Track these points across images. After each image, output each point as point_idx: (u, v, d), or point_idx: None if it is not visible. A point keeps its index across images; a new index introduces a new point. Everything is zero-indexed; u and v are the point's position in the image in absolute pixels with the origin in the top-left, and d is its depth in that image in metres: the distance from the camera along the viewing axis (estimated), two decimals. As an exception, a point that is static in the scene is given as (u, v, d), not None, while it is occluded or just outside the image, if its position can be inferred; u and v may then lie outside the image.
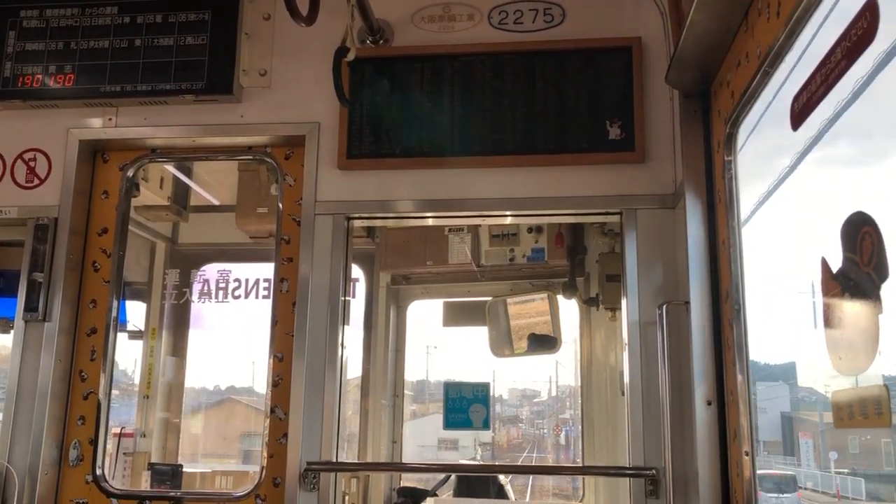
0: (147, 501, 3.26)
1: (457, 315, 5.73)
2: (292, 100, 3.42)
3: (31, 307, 3.31)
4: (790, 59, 2.11)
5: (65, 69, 3.45)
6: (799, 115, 1.99)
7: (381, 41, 3.40)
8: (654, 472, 2.89)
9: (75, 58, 3.45)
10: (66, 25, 3.49)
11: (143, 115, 3.48)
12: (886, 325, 1.53)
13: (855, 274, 1.64)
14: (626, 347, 3.05)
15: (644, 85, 3.20)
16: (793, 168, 2.80)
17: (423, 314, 5.94)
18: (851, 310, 1.69)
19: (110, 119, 3.50)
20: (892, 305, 1.52)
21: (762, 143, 2.67)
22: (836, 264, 1.75)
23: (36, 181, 3.47)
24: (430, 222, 3.93)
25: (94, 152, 3.57)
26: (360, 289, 5.27)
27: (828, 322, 1.80)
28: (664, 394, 2.84)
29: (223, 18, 3.43)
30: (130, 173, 3.55)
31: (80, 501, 3.28)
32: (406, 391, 5.64)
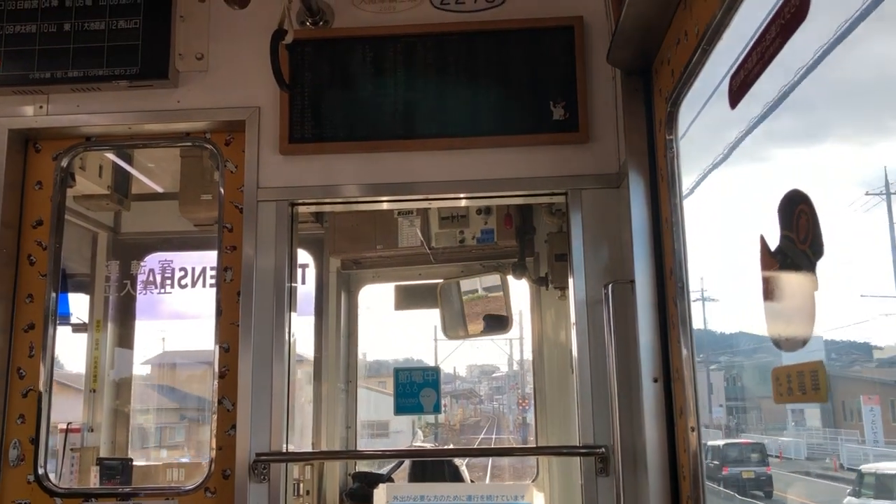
0: (93, 499, 3.19)
1: (408, 298, 5.71)
2: (231, 84, 3.33)
3: (-37, 304, 3.19)
4: (727, 36, 2.11)
5: (-10, 55, 3.31)
6: (737, 93, 1.99)
7: (321, 23, 3.33)
8: (603, 449, 2.92)
9: (1, 43, 3.31)
10: (-9, 10, 3.35)
11: (75, 102, 3.36)
12: (822, 301, 1.55)
13: (791, 251, 1.66)
14: (574, 326, 3.06)
15: (587, 65, 3.19)
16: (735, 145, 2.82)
17: (375, 298, 5.91)
18: (789, 287, 1.70)
19: (41, 107, 3.37)
20: (828, 282, 1.53)
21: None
22: (774, 242, 1.76)
23: (-36, 173, 3.33)
24: (379, 206, 3.90)
25: (26, 141, 3.45)
26: (311, 274, 5.21)
27: (766, 297, 1.82)
28: (611, 372, 2.85)
29: (156, 1, 3.32)
30: (65, 163, 3.44)
31: (23, 502, 3.19)
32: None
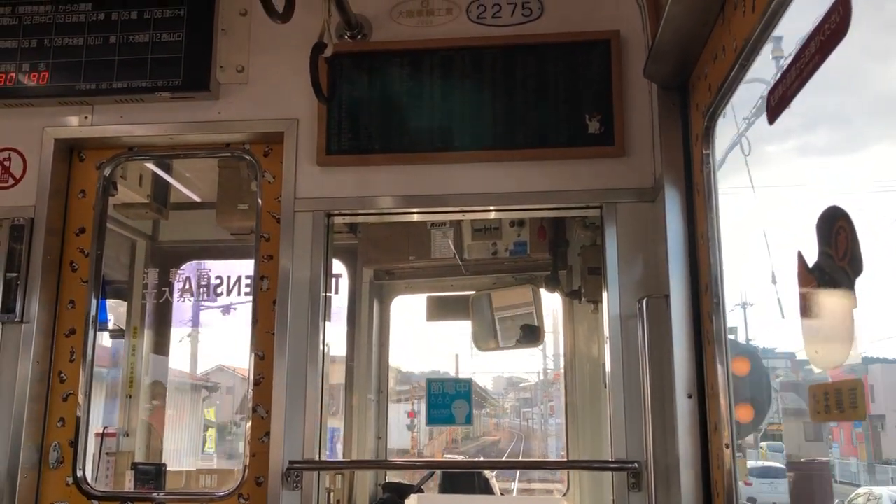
0: (129, 502, 3.24)
1: (440, 309, 5.73)
2: (270, 96, 3.39)
3: (7, 308, 3.27)
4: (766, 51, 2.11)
5: (39, 67, 3.41)
6: (775, 108, 1.99)
7: (360, 36, 3.38)
8: (636, 465, 2.90)
9: (49, 55, 3.41)
10: (40, 22, 3.45)
11: (119, 112, 3.45)
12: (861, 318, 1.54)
13: (830, 268, 1.65)
14: (608, 341, 3.05)
15: (623, 79, 3.19)
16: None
17: (407, 309, 5.92)
18: (827, 303, 1.69)
19: (86, 117, 3.46)
20: (867, 299, 1.52)
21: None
22: (811, 258, 1.75)
23: (11, 181, 3.42)
24: (412, 218, 3.92)
25: (71, 151, 3.53)
26: (344, 284, 5.25)
27: (804, 315, 1.80)
28: (645, 387, 2.84)
29: (199, 14, 3.40)
30: (107, 172, 3.52)
31: (61, 504, 3.25)
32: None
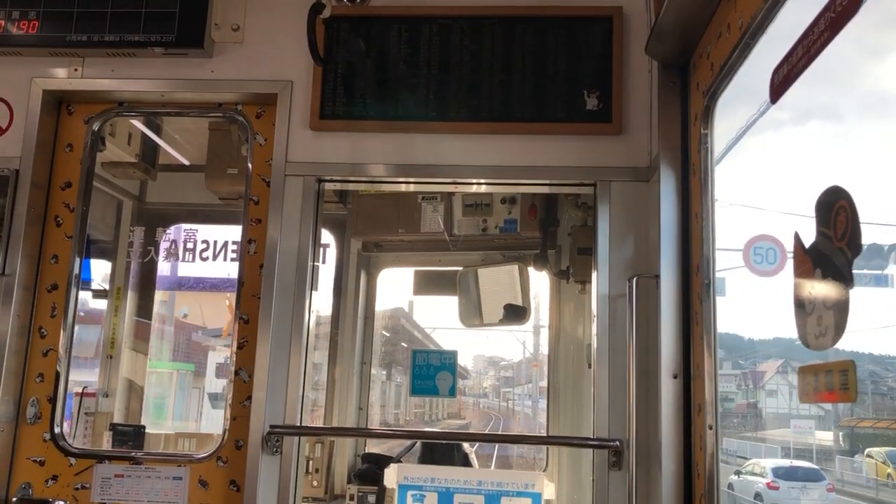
0: (106, 461, 3.21)
1: (427, 284, 5.71)
2: (265, 57, 3.33)
3: (-11, 260, 3.22)
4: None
5: (29, 15, 3.33)
6: (779, 87, 1.96)
7: (358, 0, 3.31)
8: (617, 443, 2.90)
9: (40, 4, 3.33)
10: (31, -30, 3.37)
11: (110, 66, 3.38)
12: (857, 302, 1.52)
13: (827, 249, 1.63)
14: (595, 320, 3.04)
15: (624, 55, 3.16)
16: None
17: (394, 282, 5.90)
18: (822, 285, 1.68)
19: (76, 69, 3.39)
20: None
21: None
22: (809, 239, 1.73)
23: (-3, 131, 3.36)
24: (403, 188, 3.89)
25: (59, 103, 3.47)
26: (331, 255, 5.22)
27: (798, 296, 1.79)
28: (631, 366, 2.83)
29: (196, -31, 3.32)
30: (96, 126, 3.46)
31: (37, 460, 3.22)
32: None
